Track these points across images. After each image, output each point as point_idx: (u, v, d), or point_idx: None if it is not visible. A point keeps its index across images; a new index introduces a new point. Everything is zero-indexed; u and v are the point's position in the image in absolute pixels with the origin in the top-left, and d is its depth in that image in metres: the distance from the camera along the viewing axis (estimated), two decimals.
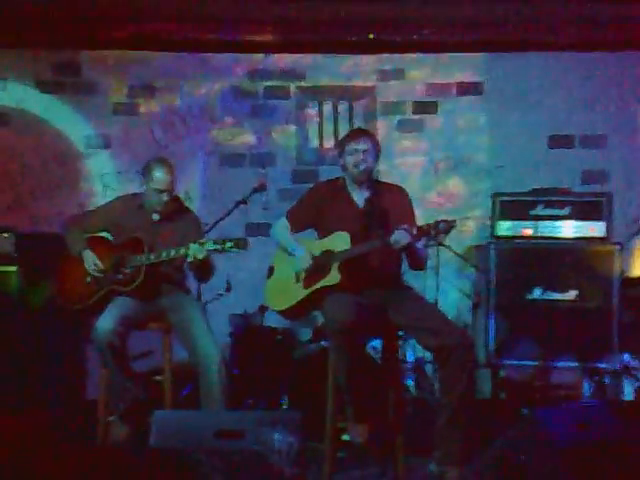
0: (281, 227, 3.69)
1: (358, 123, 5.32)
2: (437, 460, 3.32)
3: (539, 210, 4.65)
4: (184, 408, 3.99)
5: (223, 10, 4.99)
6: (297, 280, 3.53)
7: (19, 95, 5.35)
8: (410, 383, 4.69)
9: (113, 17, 5.08)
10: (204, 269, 3.77)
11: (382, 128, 5.37)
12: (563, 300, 4.50)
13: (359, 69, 5.41)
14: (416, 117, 5.41)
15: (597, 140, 5.30)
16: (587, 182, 5.23)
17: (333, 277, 3.40)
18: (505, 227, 4.68)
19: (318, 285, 3.44)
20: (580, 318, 4.45)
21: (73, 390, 4.67)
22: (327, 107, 5.43)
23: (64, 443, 2.40)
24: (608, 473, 2.68)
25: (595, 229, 4.57)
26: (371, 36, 5.16)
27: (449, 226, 3.21)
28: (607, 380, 4.54)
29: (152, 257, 3.68)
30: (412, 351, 4.64)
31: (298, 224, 3.68)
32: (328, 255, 3.46)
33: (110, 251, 3.84)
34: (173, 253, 3.65)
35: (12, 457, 2.27)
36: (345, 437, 3.58)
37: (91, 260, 3.79)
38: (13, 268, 4.56)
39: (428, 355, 4.49)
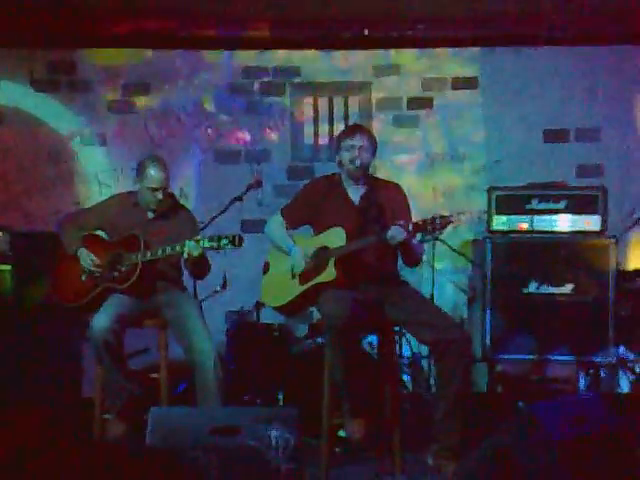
0: (275, 224, 3.68)
1: (353, 119, 5.33)
2: (434, 453, 3.34)
3: (535, 204, 4.64)
4: (180, 405, 3.98)
5: (217, 7, 4.98)
6: (293, 276, 3.52)
7: (13, 94, 5.34)
8: (406, 378, 4.70)
9: (107, 15, 5.08)
10: (200, 266, 3.76)
11: (377, 124, 5.36)
12: (559, 294, 4.50)
13: (354, 65, 5.41)
14: (411, 112, 5.41)
15: (592, 134, 5.31)
16: (582, 176, 5.24)
17: (329, 273, 3.40)
18: (501, 221, 4.67)
19: (314, 281, 3.43)
20: (576, 312, 4.45)
21: (69, 388, 4.66)
22: (322, 103, 5.43)
23: (60, 441, 2.39)
24: (604, 466, 2.69)
25: (590, 223, 4.57)
26: (366, 32, 5.16)
27: (445, 222, 3.19)
28: (603, 373, 4.56)
29: (148, 255, 3.68)
30: (408, 346, 4.65)
31: (294, 221, 3.68)
32: (324, 251, 3.45)
33: (106, 249, 3.83)
34: (169, 250, 3.64)
35: (7, 455, 2.27)
36: (341, 433, 3.59)
37: (87, 258, 3.79)
38: (8, 267, 4.54)
39: (424, 350, 4.50)
